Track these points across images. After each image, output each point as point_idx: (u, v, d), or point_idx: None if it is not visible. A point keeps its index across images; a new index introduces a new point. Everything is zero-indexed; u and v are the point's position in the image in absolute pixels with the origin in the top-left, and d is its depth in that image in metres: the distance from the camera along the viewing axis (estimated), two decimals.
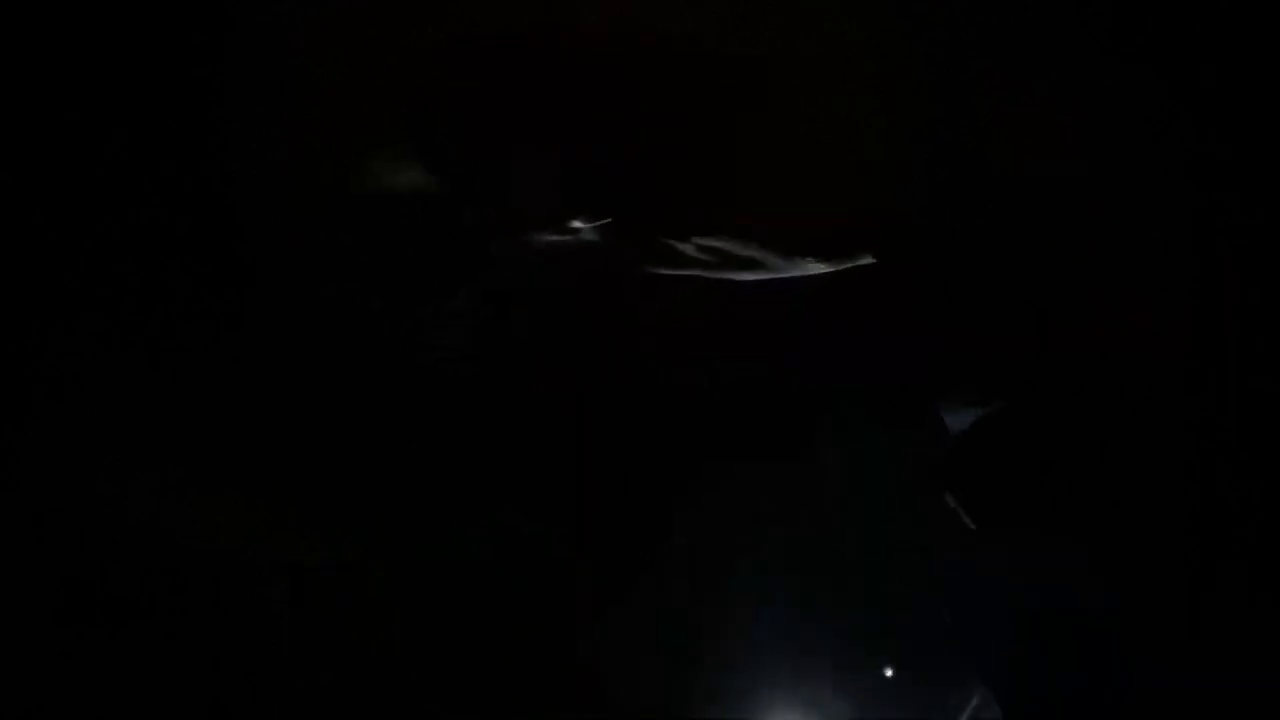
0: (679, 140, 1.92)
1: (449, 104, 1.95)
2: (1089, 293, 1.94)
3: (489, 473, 2.19)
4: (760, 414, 2.15)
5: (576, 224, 1.93)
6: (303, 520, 2.16)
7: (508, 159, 1.94)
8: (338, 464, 2.16)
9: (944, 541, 2.03)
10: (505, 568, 2.19)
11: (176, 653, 2.13)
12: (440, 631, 2.16)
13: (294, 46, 2.02)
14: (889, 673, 2.10)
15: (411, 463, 2.17)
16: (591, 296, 2.14)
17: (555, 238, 1.97)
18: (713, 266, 1.97)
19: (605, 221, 1.89)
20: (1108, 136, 1.93)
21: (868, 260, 1.95)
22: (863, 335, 2.05)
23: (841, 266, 1.96)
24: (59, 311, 2.08)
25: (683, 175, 1.94)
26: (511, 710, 2.17)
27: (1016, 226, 1.92)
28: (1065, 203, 1.92)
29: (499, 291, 2.13)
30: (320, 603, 2.16)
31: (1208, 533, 1.90)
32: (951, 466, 2.01)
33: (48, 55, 2.04)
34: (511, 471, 2.20)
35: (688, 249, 1.94)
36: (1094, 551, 1.91)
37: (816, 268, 1.94)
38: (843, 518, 2.14)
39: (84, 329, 2.10)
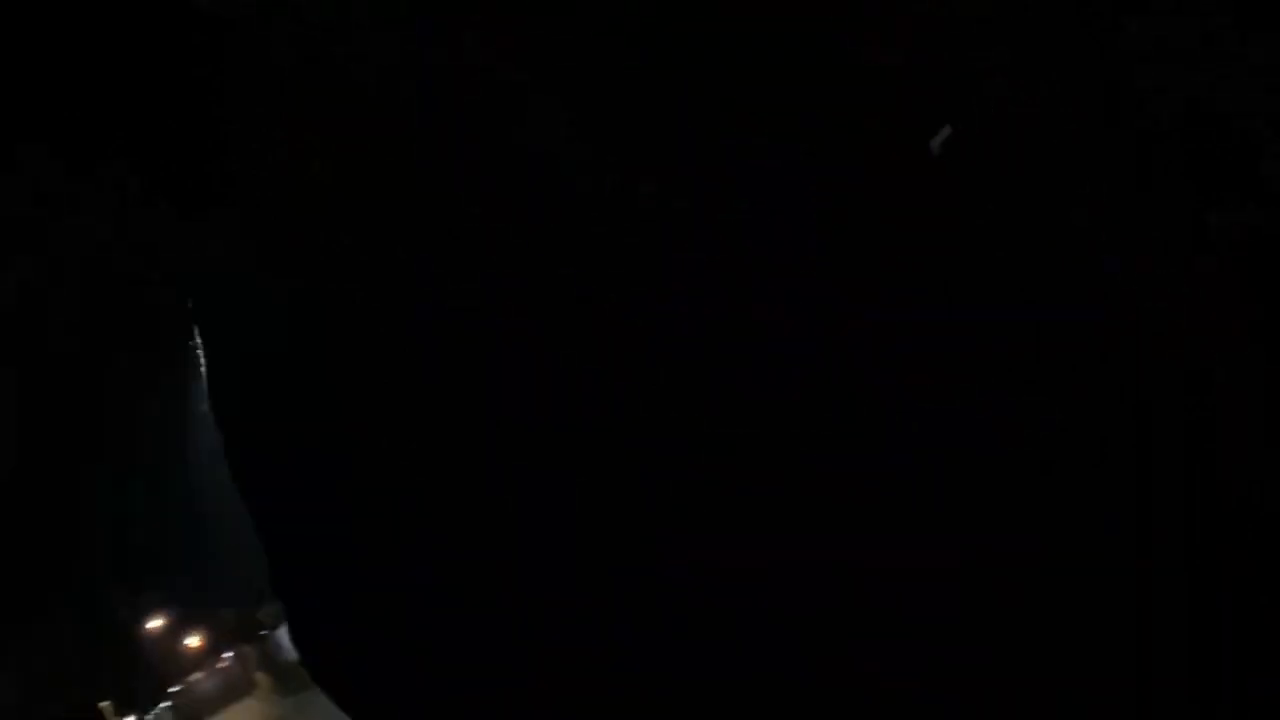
0: None
1: None
2: (1089, 292, 1.94)
3: (489, 472, 2.19)
4: (760, 413, 2.15)
5: None
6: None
7: None
8: (337, 463, 2.16)
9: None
10: (510, 567, 2.19)
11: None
12: (439, 629, 2.17)
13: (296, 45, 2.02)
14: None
15: (411, 462, 2.18)
16: (591, 294, 2.14)
17: None
18: None
19: None
20: (1107, 134, 1.93)
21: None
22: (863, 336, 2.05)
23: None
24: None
25: None
26: (512, 710, 2.17)
27: (1014, 224, 1.92)
28: (1064, 201, 1.92)
29: (496, 291, 2.13)
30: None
31: (1208, 532, 1.89)
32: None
33: (46, 54, 2.05)
34: (512, 471, 2.20)
35: None
36: (1093, 551, 1.90)
37: None
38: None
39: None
